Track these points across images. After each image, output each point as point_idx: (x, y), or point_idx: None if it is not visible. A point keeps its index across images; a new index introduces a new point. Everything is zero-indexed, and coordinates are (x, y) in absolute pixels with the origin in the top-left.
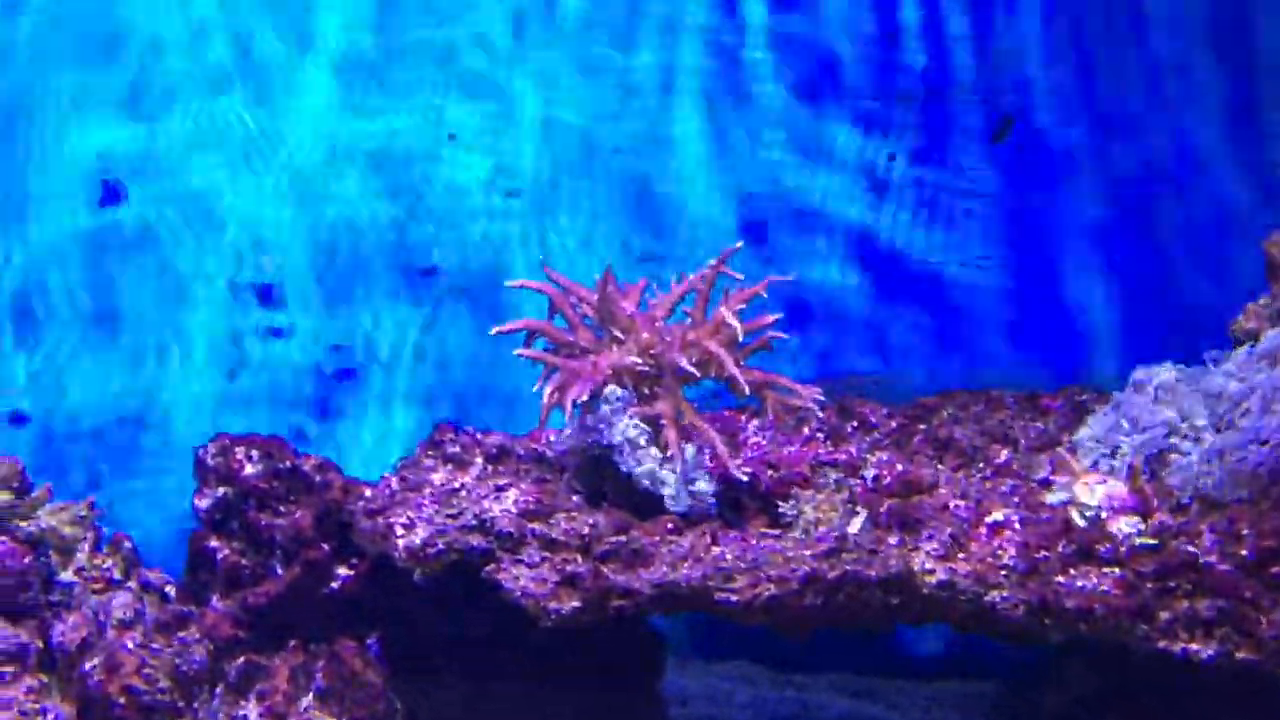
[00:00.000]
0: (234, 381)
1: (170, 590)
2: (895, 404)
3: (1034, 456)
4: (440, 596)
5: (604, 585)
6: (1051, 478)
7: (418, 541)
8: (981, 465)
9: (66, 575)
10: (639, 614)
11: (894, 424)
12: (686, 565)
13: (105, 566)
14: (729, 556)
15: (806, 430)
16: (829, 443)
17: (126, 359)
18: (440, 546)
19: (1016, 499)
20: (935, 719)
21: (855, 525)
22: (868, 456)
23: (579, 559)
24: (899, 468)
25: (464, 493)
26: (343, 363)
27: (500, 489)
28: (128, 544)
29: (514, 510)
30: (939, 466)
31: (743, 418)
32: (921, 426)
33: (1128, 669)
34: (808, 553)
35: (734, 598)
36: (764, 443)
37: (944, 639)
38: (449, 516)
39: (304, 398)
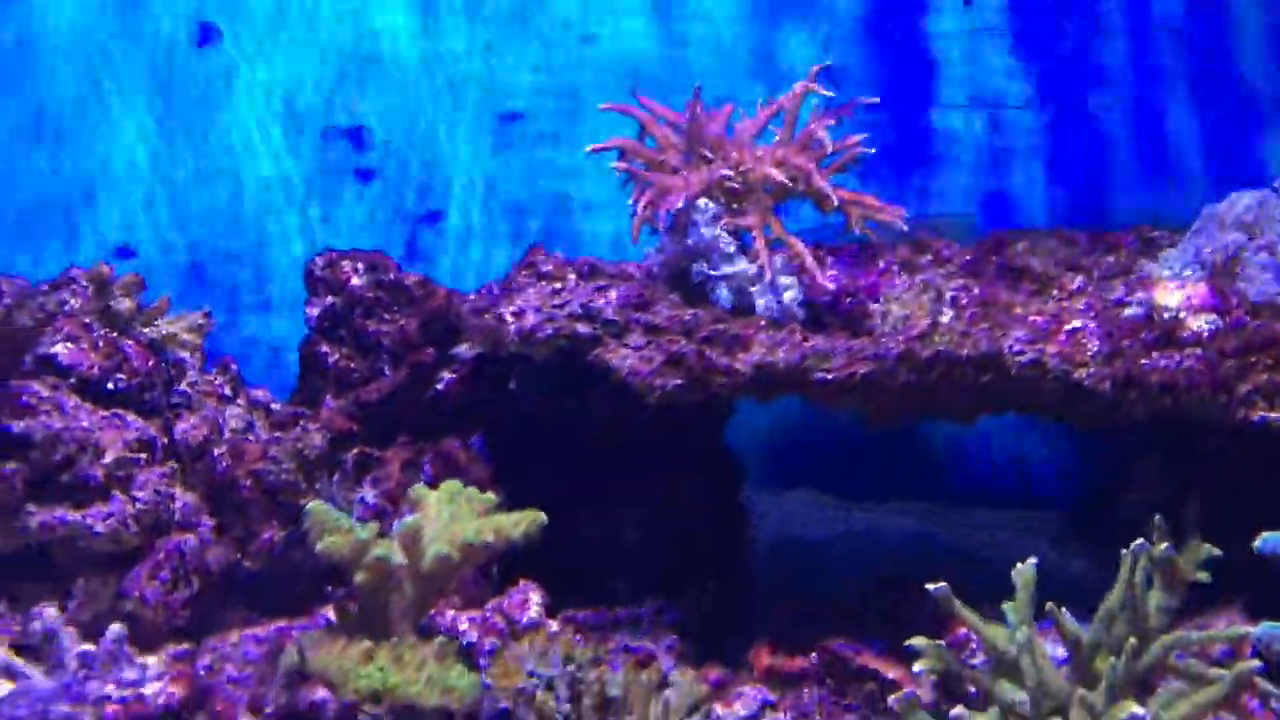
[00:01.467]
0: (327, 224)
1: (276, 408)
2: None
3: (1108, 283)
4: (538, 395)
5: (706, 364)
6: (1127, 298)
7: (528, 325)
8: (1056, 292)
9: (182, 386)
10: (734, 397)
11: (968, 257)
12: (783, 350)
13: (216, 382)
14: (823, 344)
15: (881, 263)
16: (903, 274)
17: (226, 196)
18: (549, 331)
19: (1093, 314)
20: (1001, 541)
21: (946, 316)
22: (944, 283)
23: (682, 341)
24: (976, 291)
25: (566, 292)
26: (428, 205)
27: (601, 288)
28: (233, 366)
29: (617, 302)
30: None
31: (820, 253)
32: (994, 259)
33: (1199, 469)
34: (900, 337)
35: (829, 376)
36: (841, 275)
37: (1003, 472)
38: (555, 307)
39: (392, 240)
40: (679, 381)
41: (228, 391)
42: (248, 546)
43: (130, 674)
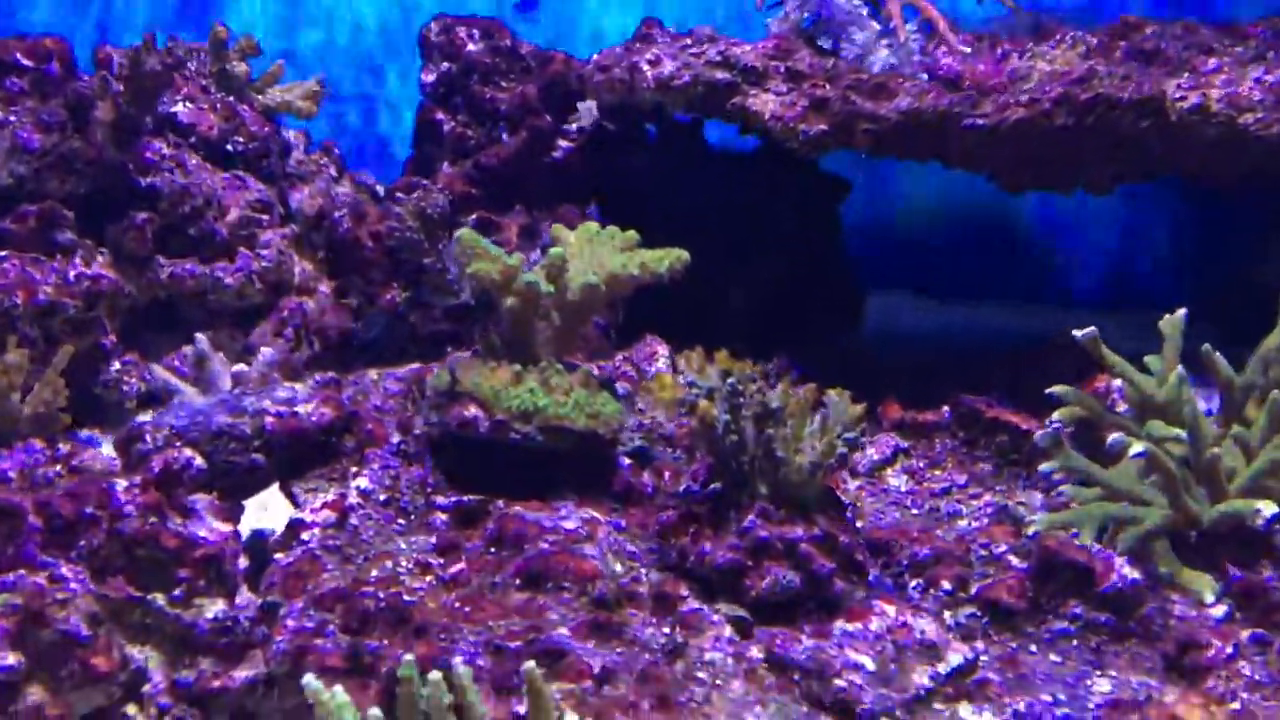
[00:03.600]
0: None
1: (381, 190)
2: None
3: (1245, 67)
4: (657, 165)
5: (852, 109)
6: (1267, 75)
7: (665, 72)
8: (1188, 74)
9: (290, 162)
10: (883, 146)
11: (1095, 41)
12: (930, 96)
13: (322, 162)
14: (969, 95)
15: (999, 50)
16: (1025, 59)
17: None
18: (687, 78)
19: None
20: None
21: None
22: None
23: (826, 86)
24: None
25: (696, 45)
26: None
27: (734, 42)
28: (336, 150)
29: (757, 50)
30: None
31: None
32: (1122, 43)
33: None
34: (1057, 83)
35: (981, 121)
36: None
37: (1101, 276)
38: (693, 55)
39: None
40: (824, 127)
41: (333, 172)
42: (367, 310)
43: (283, 393)
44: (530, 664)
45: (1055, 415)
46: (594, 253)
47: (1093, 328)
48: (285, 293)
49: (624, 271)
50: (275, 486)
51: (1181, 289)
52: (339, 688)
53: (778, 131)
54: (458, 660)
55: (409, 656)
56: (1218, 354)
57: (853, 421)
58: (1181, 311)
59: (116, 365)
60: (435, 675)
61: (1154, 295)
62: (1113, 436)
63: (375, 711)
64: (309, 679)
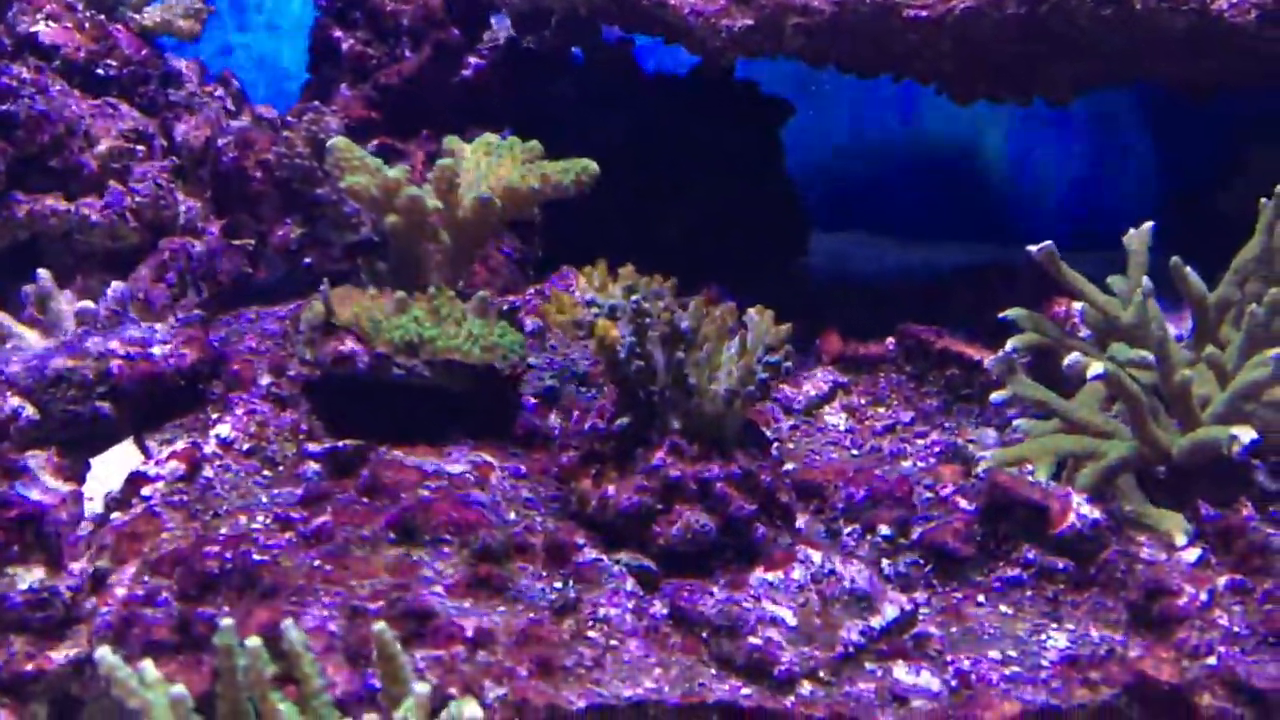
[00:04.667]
0: None
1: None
2: None
3: None
4: (583, 90)
5: (781, 2)
6: None
7: None
8: None
9: (179, 94)
10: (819, 48)
11: None
12: None
13: (218, 94)
14: None
15: None
16: None
17: None
18: None
19: None
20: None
21: None
22: None
23: None
24: None
25: None
26: None
27: None
28: (235, 82)
29: None
30: None
31: None
32: None
33: None
34: None
35: (924, 13)
36: None
37: (1065, 216)
38: None
39: None
40: (750, 22)
41: (230, 105)
42: (260, 249)
43: (136, 333)
44: (380, 625)
45: (1010, 342)
46: (492, 166)
47: (1049, 242)
48: (167, 233)
49: (523, 184)
50: (130, 442)
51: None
52: (148, 664)
53: (699, 30)
54: (288, 623)
55: (227, 621)
56: (1188, 268)
57: (776, 342)
58: (1148, 225)
59: None
60: (253, 642)
61: (1120, 232)
62: (1070, 358)
63: (177, 689)
64: (103, 651)
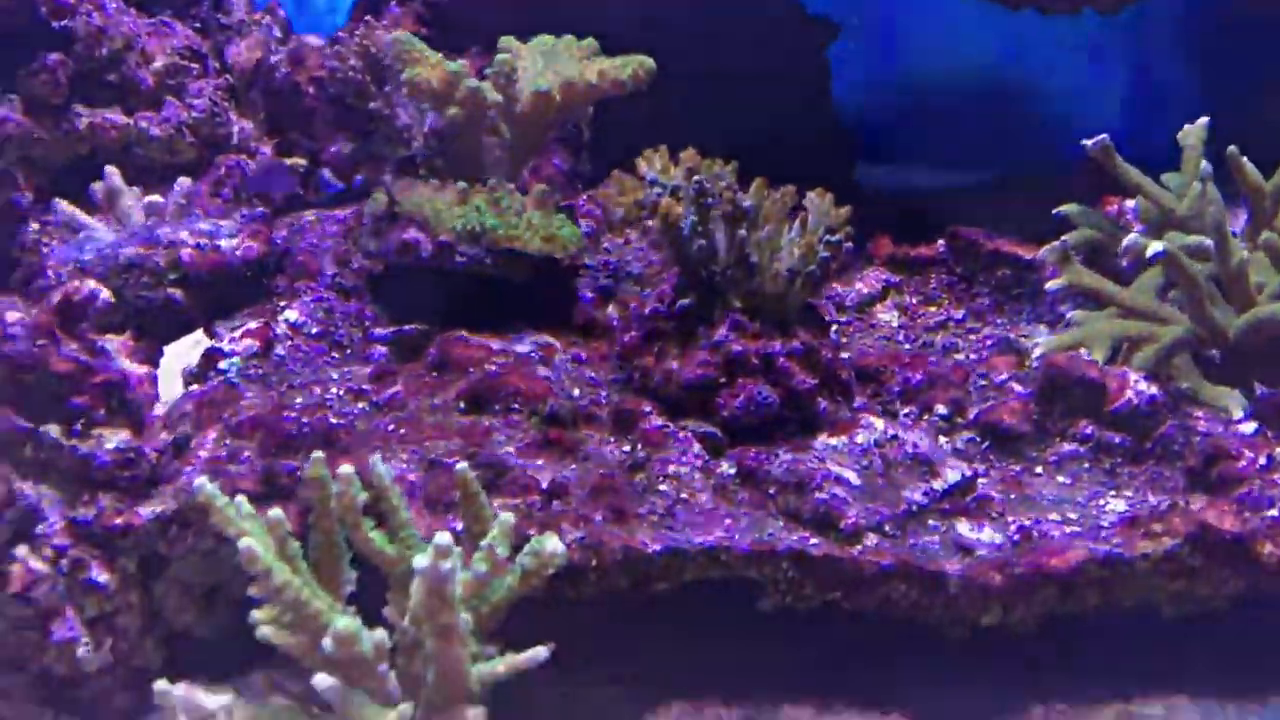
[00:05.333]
0: None
1: None
2: None
3: None
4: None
5: None
6: None
7: None
8: None
9: (228, 20)
10: None
11: None
12: None
13: (265, 22)
14: None
15: None
16: None
17: None
18: None
19: None
20: None
21: None
22: None
23: None
24: None
25: None
26: None
27: None
28: (281, 11)
29: None
30: None
31: None
32: None
33: None
34: None
35: None
36: None
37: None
38: None
39: None
40: None
41: (277, 34)
42: (312, 170)
43: (204, 225)
44: (462, 464)
45: (1064, 238)
46: (549, 62)
47: (1104, 135)
48: (221, 151)
49: (581, 79)
50: (199, 332)
51: None
52: (241, 498)
53: None
54: (375, 458)
55: (318, 454)
56: (1244, 158)
57: (837, 223)
58: (1204, 120)
59: (35, 226)
60: (346, 469)
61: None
62: (1129, 238)
63: (276, 512)
64: (201, 482)
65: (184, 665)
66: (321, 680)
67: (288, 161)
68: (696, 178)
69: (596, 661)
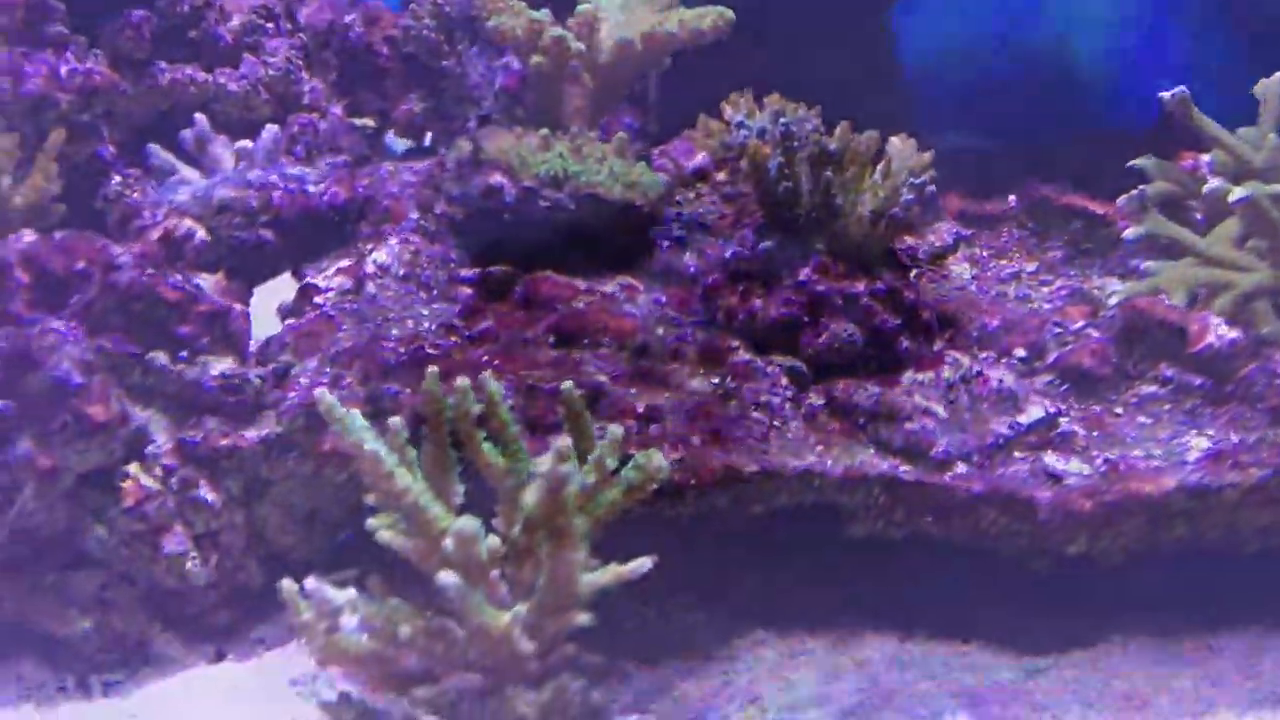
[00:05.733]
0: None
1: None
2: None
3: None
4: None
5: None
6: None
7: None
8: None
9: None
10: None
11: None
12: None
13: None
14: None
15: None
16: None
17: None
18: None
19: None
20: None
21: None
22: None
23: None
24: None
25: None
26: None
27: None
28: None
29: None
30: None
31: None
32: None
33: None
34: None
35: None
36: None
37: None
38: None
39: None
40: None
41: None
42: (380, 131)
43: (293, 170)
44: (568, 383)
45: (1140, 188)
46: (629, 13)
47: (1181, 86)
48: (294, 109)
49: (661, 29)
50: (288, 275)
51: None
52: (355, 411)
53: None
54: (485, 375)
55: (433, 369)
56: None
57: (919, 168)
58: (1279, 75)
59: (118, 179)
60: (462, 382)
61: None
62: (1212, 183)
63: (397, 420)
64: (322, 393)
65: None
66: (444, 577)
67: (357, 122)
68: (783, 120)
69: (683, 587)
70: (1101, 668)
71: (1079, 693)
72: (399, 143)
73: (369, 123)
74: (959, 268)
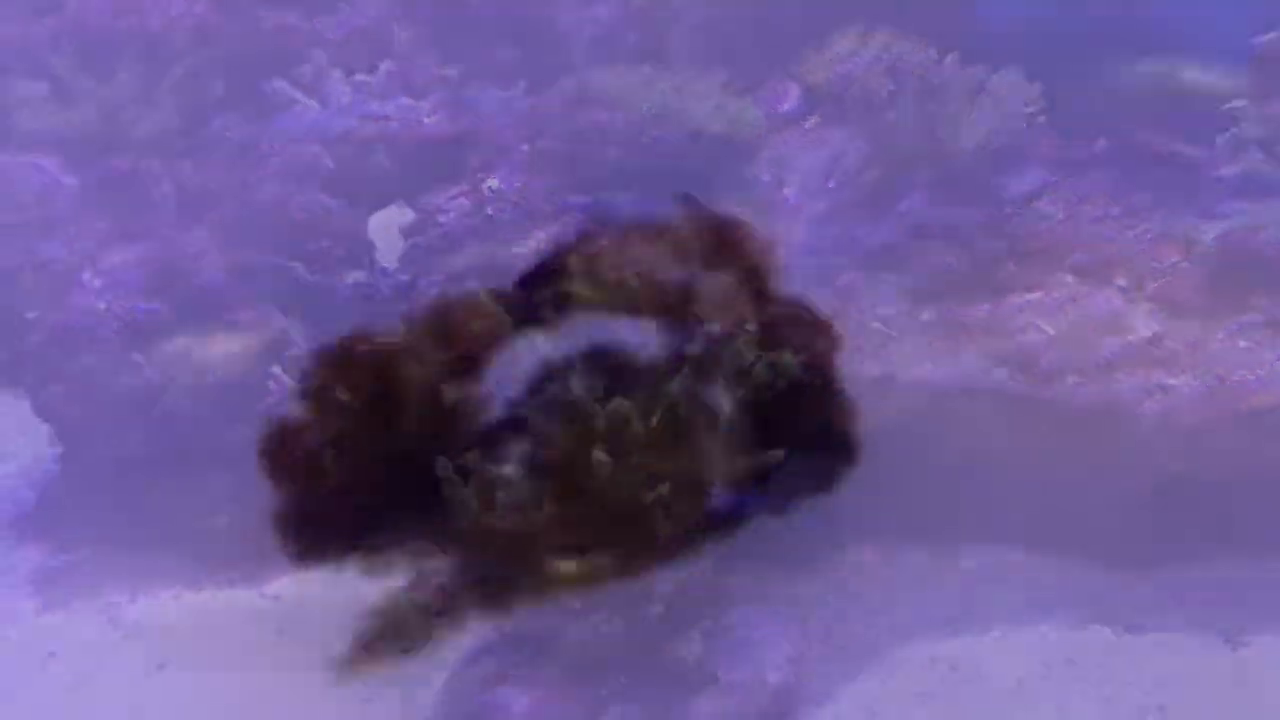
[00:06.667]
0: None
1: None
2: None
3: None
4: None
5: None
6: None
7: None
8: None
9: None
10: None
11: None
12: None
13: None
14: None
15: None
16: None
17: None
18: None
19: None
20: None
21: None
22: None
23: None
24: None
25: None
26: None
27: None
28: None
29: None
30: None
31: None
32: None
33: None
34: None
35: None
36: None
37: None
38: None
39: None
40: None
41: None
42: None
43: (407, 102)
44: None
45: (1236, 128)
46: None
47: (1275, 33)
48: (384, 57)
49: None
50: (400, 204)
51: None
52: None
53: None
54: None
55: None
56: None
57: (1030, 101)
58: None
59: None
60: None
61: None
62: None
63: None
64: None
65: None
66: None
67: (449, 71)
68: (893, 52)
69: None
70: None
71: None
72: (490, 90)
73: (458, 72)
74: (1050, 209)
